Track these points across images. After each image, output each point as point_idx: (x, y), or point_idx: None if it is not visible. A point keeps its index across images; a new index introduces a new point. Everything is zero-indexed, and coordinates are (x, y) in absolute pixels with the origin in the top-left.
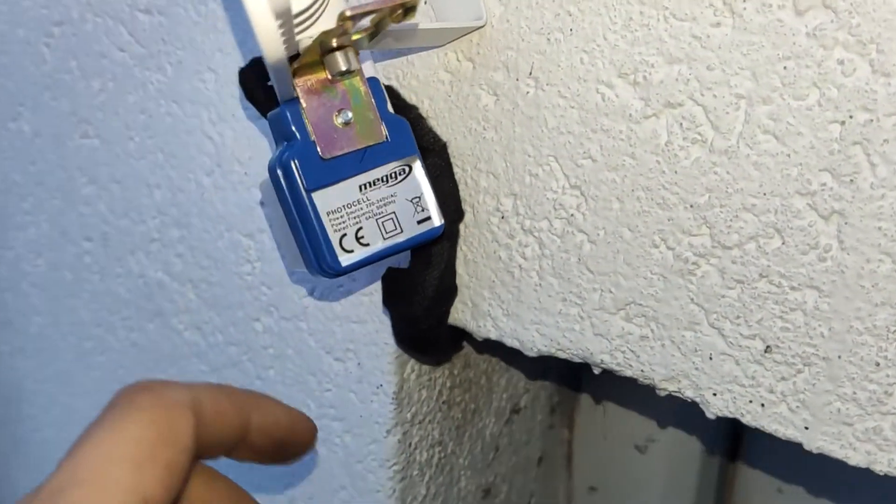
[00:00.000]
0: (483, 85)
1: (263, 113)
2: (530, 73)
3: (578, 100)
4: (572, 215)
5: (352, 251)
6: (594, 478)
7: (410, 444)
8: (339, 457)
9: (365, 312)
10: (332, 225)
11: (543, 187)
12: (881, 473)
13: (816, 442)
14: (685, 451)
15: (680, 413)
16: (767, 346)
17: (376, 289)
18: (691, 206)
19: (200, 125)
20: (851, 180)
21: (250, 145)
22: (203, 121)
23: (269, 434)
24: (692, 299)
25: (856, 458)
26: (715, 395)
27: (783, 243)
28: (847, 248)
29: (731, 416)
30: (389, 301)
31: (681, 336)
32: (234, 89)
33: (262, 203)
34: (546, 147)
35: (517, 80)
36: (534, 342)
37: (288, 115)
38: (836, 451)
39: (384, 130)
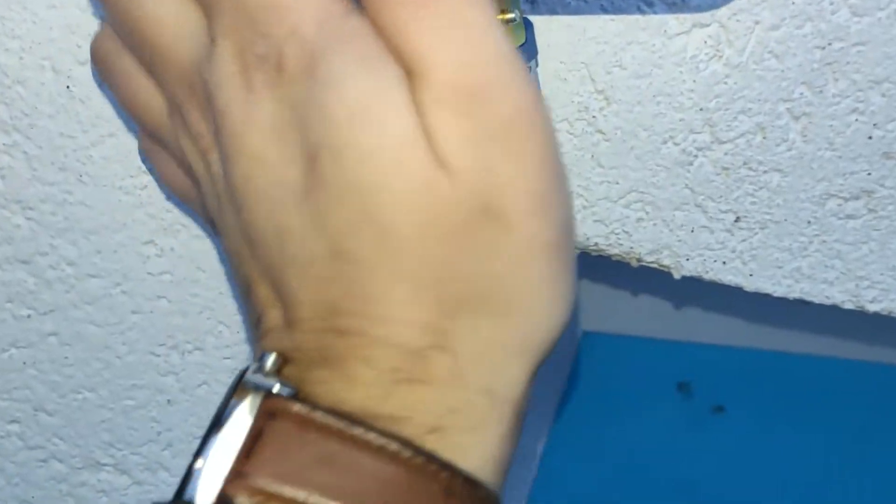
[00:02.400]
0: None
1: None
2: None
3: (620, 13)
4: (594, 117)
5: None
6: None
7: None
8: None
9: None
10: None
11: (571, 91)
12: (792, 299)
13: (755, 284)
14: None
15: None
16: (737, 217)
17: None
18: (701, 110)
19: None
20: (820, 91)
21: None
22: None
23: None
24: (686, 185)
25: (780, 292)
26: (688, 260)
27: (764, 138)
28: (808, 140)
29: (695, 275)
30: None
31: (671, 215)
32: None
33: None
34: (581, 55)
35: None
36: None
37: None
38: (767, 287)
39: (524, 32)
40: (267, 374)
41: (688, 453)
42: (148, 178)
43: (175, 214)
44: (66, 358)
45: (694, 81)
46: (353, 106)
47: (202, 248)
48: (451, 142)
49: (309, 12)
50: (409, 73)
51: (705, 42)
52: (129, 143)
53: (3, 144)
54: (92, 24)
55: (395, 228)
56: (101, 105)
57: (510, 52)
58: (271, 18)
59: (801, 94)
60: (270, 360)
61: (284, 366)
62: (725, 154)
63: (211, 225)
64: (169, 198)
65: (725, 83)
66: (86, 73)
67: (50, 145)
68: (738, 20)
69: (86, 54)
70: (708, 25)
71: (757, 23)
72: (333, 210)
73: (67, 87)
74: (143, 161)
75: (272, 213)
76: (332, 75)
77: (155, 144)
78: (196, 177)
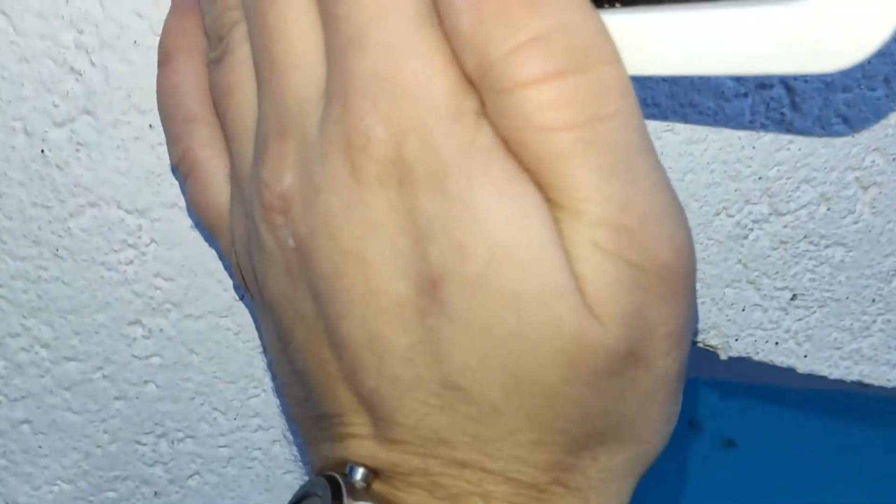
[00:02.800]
0: None
1: None
2: None
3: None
4: None
5: None
6: None
7: None
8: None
9: None
10: None
11: None
12: (850, 381)
13: (810, 366)
14: None
15: None
16: (794, 295)
17: None
18: (760, 178)
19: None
20: (894, 159)
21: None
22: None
23: None
24: (739, 260)
25: (836, 374)
26: (737, 340)
27: (828, 209)
28: (877, 212)
29: (745, 356)
30: None
31: (721, 293)
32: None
33: None
34: None
35: None
36: None
37: None
38: (823, 370)
39: None
40: (356, 491)
41: (699, 489)
42: (134, 253)
43: (165, 292)
44: (41, 448)
45: (753, 148)
46: (495, 244)
47: (196, 328)
48: (604, 290)
49: (438, 105)
50: (556, 204)
51: (767, 105)
52: (111, 214)
53: None
54: (68, 81)
55: (530, 377)
56: (80, 171)
57: (670, 191)
58: (396, 101)
59: (873, 161)
60: (360, 474)
61: (373, 480)
62: (784, 227)
63: (242, 278)
64: (157, 274)
65: (788, 150)
66: (63, 135)
67: (21, 216)
68: (805, 80)
69: (63, 115)
70: (771, 87)
71: (826, 84)
72: (456, 345)
73: (42, 151)
74: (173, 170)
75: (368, 322)
76: (468, 200)
77: (206, 154)
78: (251, 229)
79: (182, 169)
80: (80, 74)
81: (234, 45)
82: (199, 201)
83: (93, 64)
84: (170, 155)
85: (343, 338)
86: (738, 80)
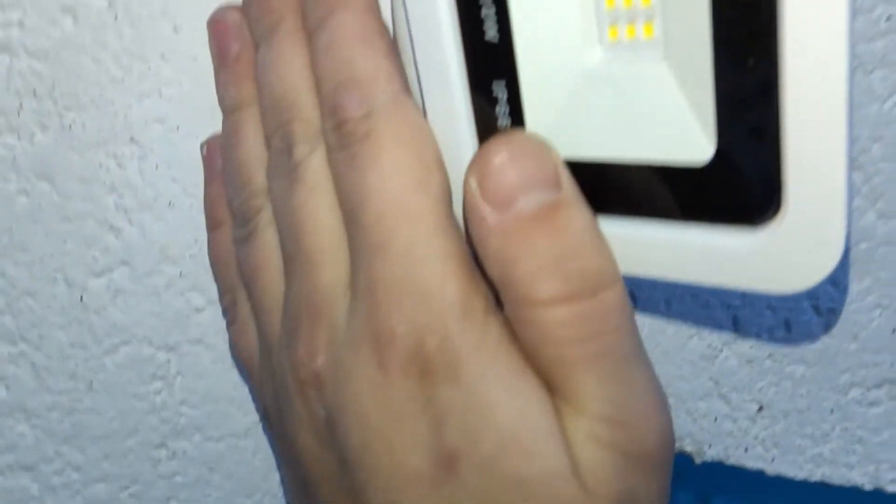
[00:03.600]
0: None
1: None
2: None
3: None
4: None
5: None
6: None
7: None
8: None
9: None
10: None
11: None
12: (814, 481)
13: (777, 468)
14: None
15: None
16: (760, 406)
17: None
18: (728, 307)
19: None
20: (846, 288)
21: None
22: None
23: None
24: (710, 377)
25: (801, 475)
26: (710, 447)
27: (789, 332)
28: (832, 334)
29: (717, 460)
30: None
31: (695, 406)
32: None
33: None
34: None
35: None
36: None
37: None
38: (789, 472)
39: None
40: None
41: None
42: (163, 384)
43: (189, 418)
44: None
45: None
46: (504, 432)
47: (216, 449)
48: (600, 473)
49: (452, 304)
50: (561, 398)
51: None
52: (144, 351)
53: (9, 354)
54: (108, 238)
55: None
56: (116, 315)
57: (658, 388)
58: (416, 302)
59: (826, 291)
60: None
61: None
62: (750, 348)
63: (265, 415)
64: (183, 402)
65: None
66: (101, 284)
67: (60, 355)
68: None
69: (101, 266)
70: None
71: None
72: None
73: (81, 298)
74: (224, 314)
75: (390, 490)
76: (481, 392)
77: (246, 309)
78: (281, 392)
79: (228, 316)
80: (120, 231)
81: (262, 228)
82: (237, 343)
83: (131, 222)
84: (220, 301)
85: (367, 500)
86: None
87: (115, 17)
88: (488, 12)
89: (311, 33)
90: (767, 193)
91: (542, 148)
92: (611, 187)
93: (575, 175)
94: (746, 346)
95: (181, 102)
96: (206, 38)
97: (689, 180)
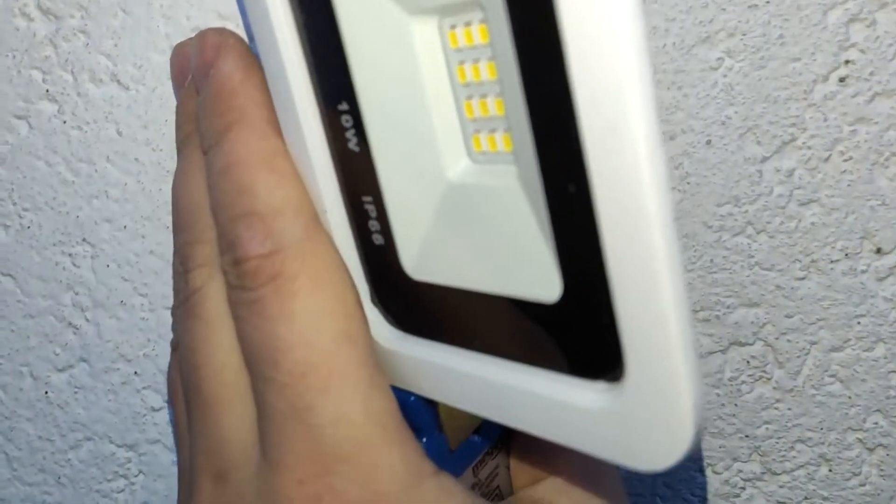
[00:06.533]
0: None
1: None
2: None
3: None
4: None
5: None
6: None
7: None
8: None
9: None
10: None
11: None
12: None
13: None
14: None
15: None
16: None
17: None
18: (747, 437)
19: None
20: None
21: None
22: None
23: None
24: None
25: None
26: None
27: (830, 471)
28: (886, 475)
29: None
30: None
31: None
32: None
33: None
34: None
35: None
36: None
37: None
38: None
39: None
40: None
41: None
42: (125, 482)
43: None
44: None
45: (735, 405)
46: None
47: None
48: None
49: (400, 476)
50: None
51: (748, 362)
52: (106, 448)
53: None
54: (67, 334)
55: None
56: (78, 410)
57: None
58: (349, 481)
59: (876, 423)
60: None
61: None
62: (781, 487)
63: None
64: (145, 502)
65: (776, 408)
66: (63, 379)
67: (29, 447)
68: (788, 340)
69: (63, 362)
70: (751, 345)
71: (813, 343)
72: None
73: (46, 392)
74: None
75: None
76: None
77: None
78: None
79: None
80: (77, 329)
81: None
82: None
83: (87, 320)
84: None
85: None
86: (712, 336)
87: (64, 122)
88: (348, 121)
89: (205, 151)
90: (610, 348)
91: None
92: (478, 321)
93: (445, 302)
94: (775, 485)
95: (126, 203)
96: (148, 140)
97: (541, 320)
